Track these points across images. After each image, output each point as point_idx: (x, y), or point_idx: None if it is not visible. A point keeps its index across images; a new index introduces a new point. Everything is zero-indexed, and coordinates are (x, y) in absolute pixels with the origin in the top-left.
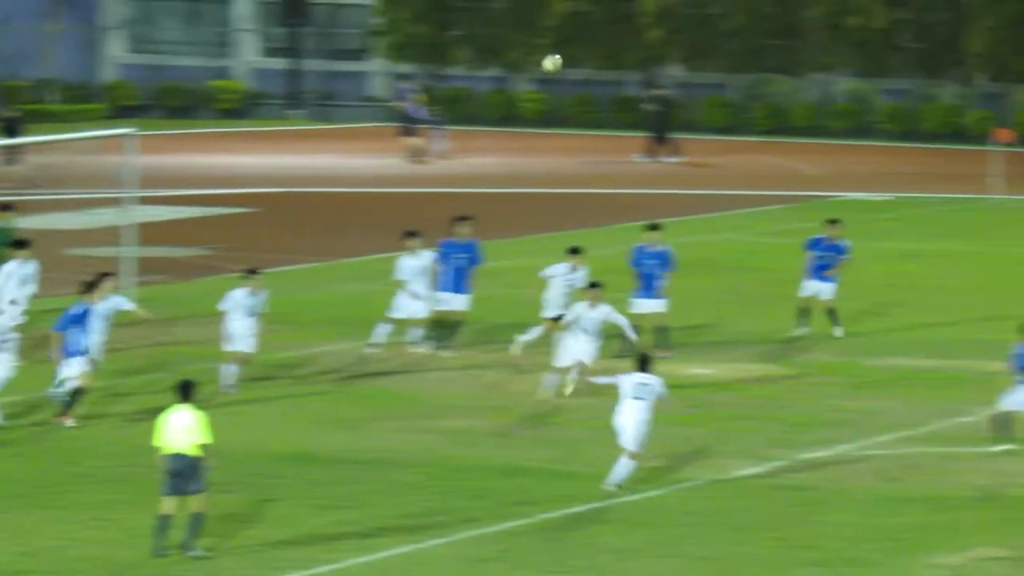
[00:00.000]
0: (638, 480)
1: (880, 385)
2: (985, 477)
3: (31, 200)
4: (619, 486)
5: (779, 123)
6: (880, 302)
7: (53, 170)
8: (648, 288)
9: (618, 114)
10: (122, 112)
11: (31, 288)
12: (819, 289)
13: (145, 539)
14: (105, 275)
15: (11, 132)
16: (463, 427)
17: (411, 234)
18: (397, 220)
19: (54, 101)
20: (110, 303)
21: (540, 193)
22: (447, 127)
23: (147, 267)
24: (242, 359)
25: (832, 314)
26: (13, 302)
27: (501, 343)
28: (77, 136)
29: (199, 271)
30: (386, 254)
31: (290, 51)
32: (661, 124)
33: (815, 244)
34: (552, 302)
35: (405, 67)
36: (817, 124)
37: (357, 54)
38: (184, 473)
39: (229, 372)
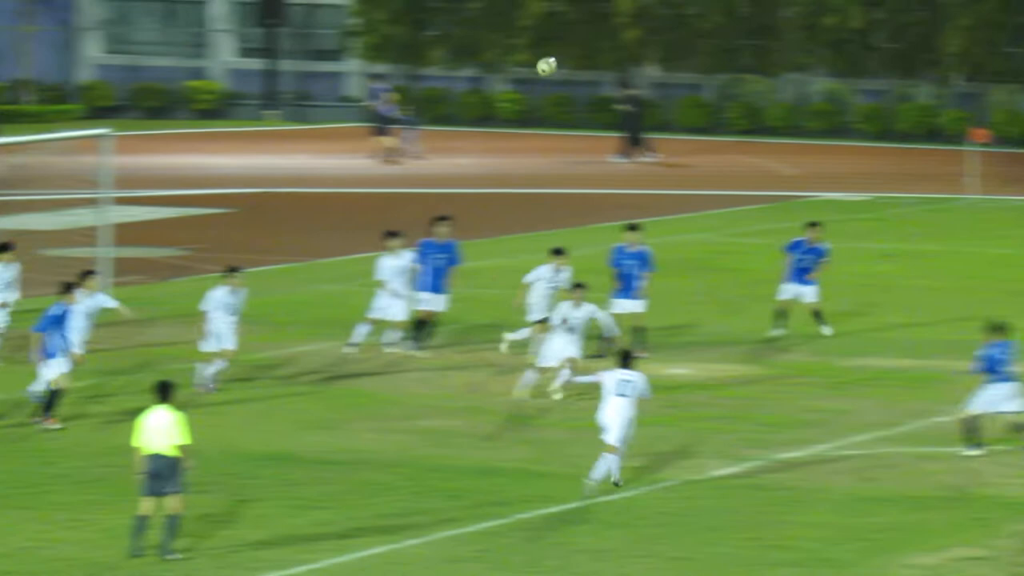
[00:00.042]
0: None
1: (855, 385)
2: (960, 477)
3: (6, 201)
4: (598, 482)
5: (755, 123)
6: (856, 302)
7: (28, 171)
8: (627, 288)
9: (594, 114)
10: (98, 113)
11: (16, 291)
12: (799, 292)
13: (121, 540)
14: (89, 273)
15: None
16: (440, 427)
17: (392, 234)
18: (374, 220)
19: (30, 102)
20: (94, 301)
21: (516, 193)
22: (420, 127)
23: (123, 268)
24: (225, 357)
25: (817, 315)
26: (3, 305)
27: (479, 343)
28: (53, 137)
29: (175, 272)
30: (362, 254)
31: (266, 51)
32: (634, 124)
33: (795, 247)
34: (537, 305)
35: (381, 67)
36: (793, 124)
37: (333, 54)
38: (162, 474)
39: (208, 371)
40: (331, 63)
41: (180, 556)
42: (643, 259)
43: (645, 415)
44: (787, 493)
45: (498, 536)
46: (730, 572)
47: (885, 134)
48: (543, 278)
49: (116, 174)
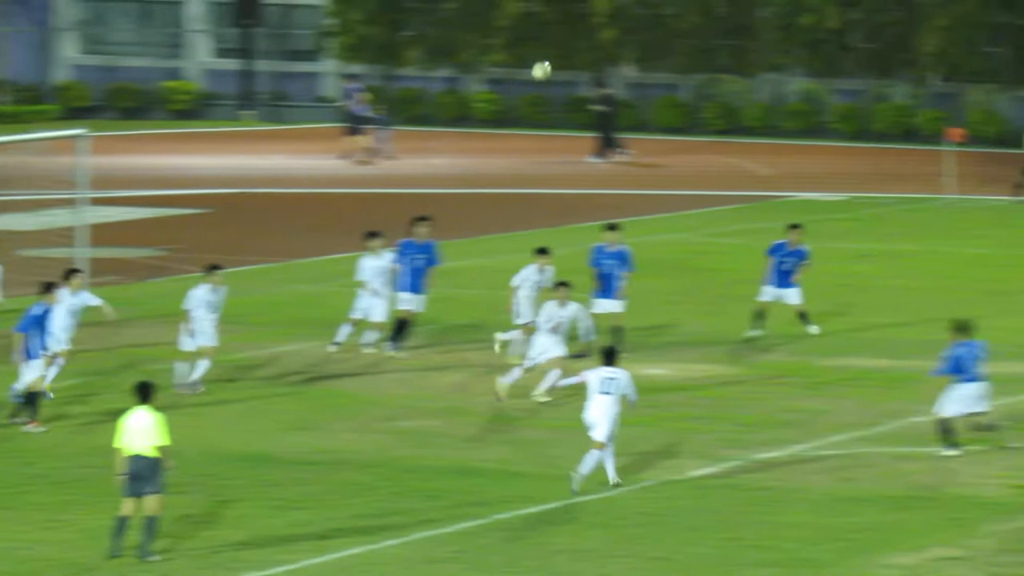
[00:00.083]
0: (595, 481)
1: (833, 385)
2: (937, 477)
3: None
4: (584, 476)
5: (731, 123)
6: (833, 302)
7: (5, 171)
8: (607, 288)
9: (571, 115)
10: (74, 113)
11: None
12: (781, 294)
13: (100, 540)
14: (74, 271)
15: None
16: (419, 428)
17: (372, 234)
18: (351, 221)
19: (6, 102)
20: (79, 299)
21: (493, 194)
22: (392, 127)
23: (100, 268)
24: (207, 355)
25: (803, 316)
26: None
27: (458, 344)
28: (29, 137)
29: (152, 272)
30: (339, 255)
31: (242, 52)
32: (608, 124)
33: (777, 250)
34: (523, 306)
35: (357, 68)
36: (769, 124)
37: (309, 55)
38: (142, 475)
39: (194, 374)
40: (307, 63)
41: (159, 558)
42: (623, 259)
43: (625, 415)
44: (766, 493)
45: (477, 536)
46: (709, 572)
47: (861, 134)
48: (530, 279)
49: (92, 174)
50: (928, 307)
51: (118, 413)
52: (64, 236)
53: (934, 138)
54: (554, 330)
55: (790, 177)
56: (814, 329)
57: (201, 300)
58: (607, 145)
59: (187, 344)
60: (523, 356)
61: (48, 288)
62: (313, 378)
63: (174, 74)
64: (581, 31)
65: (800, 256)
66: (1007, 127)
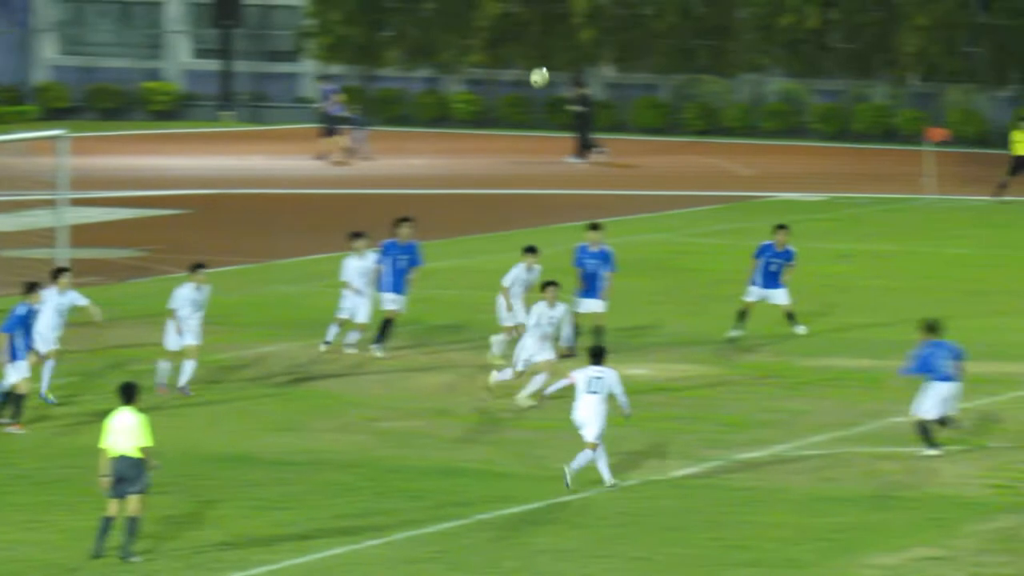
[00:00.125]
0: (576, 481)
1: (814, 386)
2: (918, 477)
3: None
4: (575, 471)
5: (711, 123)
6: (813, 303)
7: None
8: (591, 288)
9: (550, 115)
10: (54, 114)
11: None
12: (767, 295)
13: (81, 541)
14: (62, 270)
15: None
16: (401, 428)
17: (357, 235)
18: (330, 221)
19: None
20: (67, 298)
21: (473, 194)
22: (368, 127)
23: (81, 269)
24: (191, 356)
25: (791, 317)
26: None
27: (439, 344)
28: (8, 138)
29: (133, 272)
30: (319, 255)
31: (222, 53)
32: (584, 124)
33: (764, 251)
34: (515, 308)
35: (337, 68)
36: (749, 124)
37: (289, 56)
38: (126, 475)
39: (170, 368)
40: (287, 64)
41: (140, 558)
42: (606, 258)
43: (611, 416)
44: (747, 493)
45: (459, 537)
46: (691, 572)
47: (841, 134)
48: (520, 278)
49: (72, 175)
50: (908, 307)
51: (101, 414)
52: (45, 237)
53: (914, 138)
54: (544, 331)
55: (770, 177)
56: (801, 330)
57: (186, 299)
58: (584, 145)
59: (172, 343)
60: (504, 356)
61: (32, 288)
62: (296, 379)
63: (154, 75)
64: (560, 31)
65: (787, 257)
66: (987, 127)
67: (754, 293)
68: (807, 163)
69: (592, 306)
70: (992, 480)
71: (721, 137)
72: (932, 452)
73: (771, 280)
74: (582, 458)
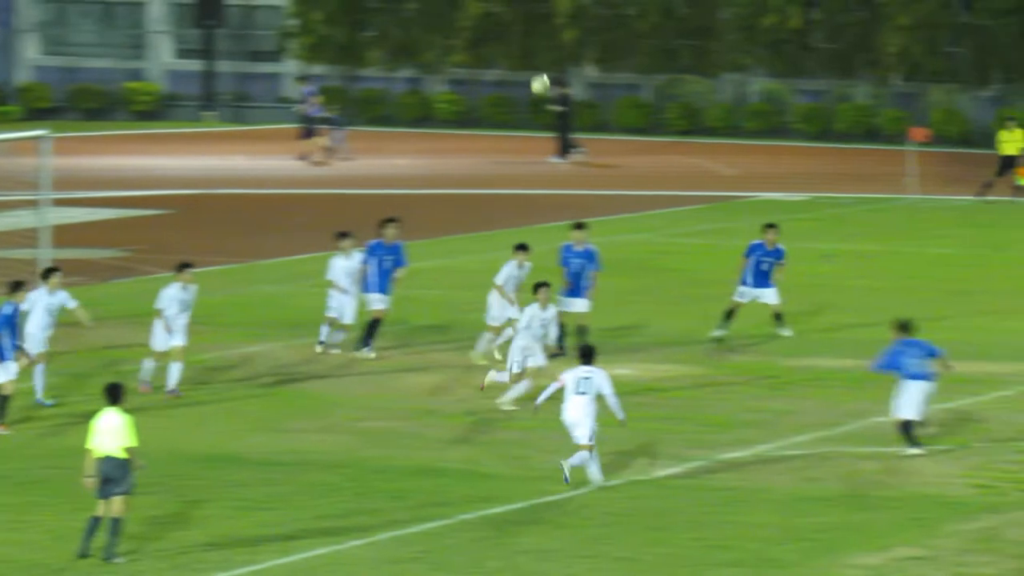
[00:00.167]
0: (559, 481)
1: (798, 386)
2: (901, 477)
3: None
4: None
5: (693, 124)
6: (796, 303)
7: None
8: (576, 287)
9: (533, 115)
10: (36, 114)
11: None
12: (758, 294)
13: (65, 541)
14: (52, 270)
15: None
16: (386, 428)
17: (343, 234)
18: (313, 221)
19: None
20: (57, 298)
21: (456, 194)
22: (348, 127)
23: (63, 269)
24: (177, 358)
25: (779, 317)
26: None
27: (424, 345)
28: None
29: (116, 273)
30: (303, 255)
31: (204, 53)
32: (564, 123)
33: (754, 250)
34: (501, 304)
35: (319, 68)
36: (731, 124)
37: (271, 56)
38: (111, 476)
39: (154, 368)
40: (269, 64)
41: (123, 559)
42: (591, 258)
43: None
44: (730, 493)
45: (442, 537)
46: (675, 572)
47: (824, 134)
48: (512, 276)
49: (55, 176)
50: (891, 307)
51: (86, 415)
52: (27, 237)
53: (896, 138)
54: (534, 333)
55: (752, 177)
56: (787, 332)
57: (173, 299)
58: (564, 145)
59: (159, 343)
60: (487, 356)
61: (17, 287)
62: (280, 379)
63: (136, 75)
64: (543, 31)
65: (778, 255)
66: (969, 127)
67: (746, 294)
68: (790, 163)
69: (577, 305)
70: (974, 480)
71: (704, 137)
72: (915, 451)
73: (762, 279)
74: (578, 457)
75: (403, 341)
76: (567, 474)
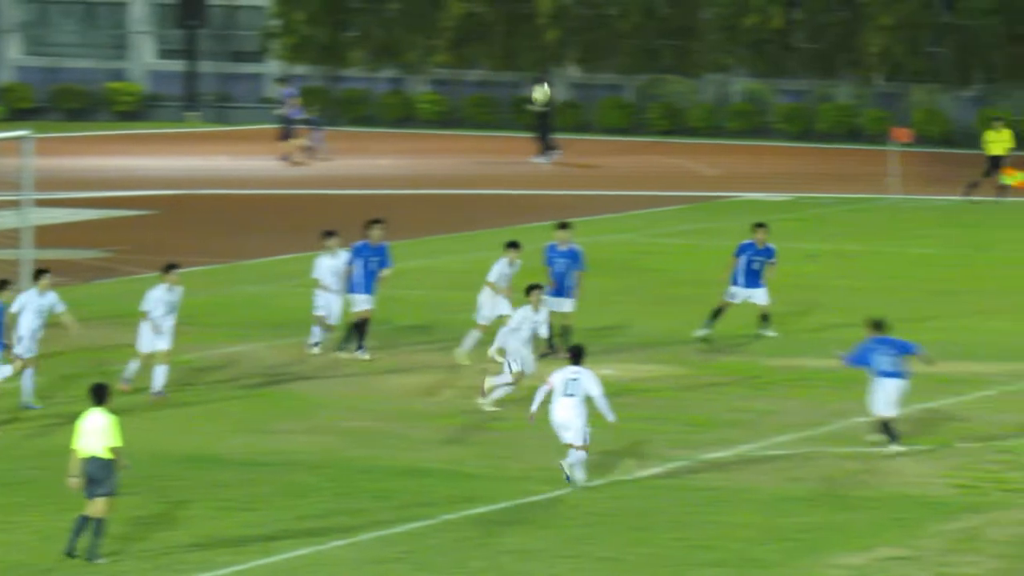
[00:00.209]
0: (542, 481)
1: (780, 386)
2: (883, 477)
3: None
4: (568, 476)
5: (675, 124)
6: (779, 303)
7: None
8: (560, 287)
9: (515, 115)
10: (18, 114)
11: None
12: (750, 295)
13: (52, 542)
14: (42, 271)
15: None
16: (369, 429)
17: (329, 233)
18: (296, 222)
19: None
20: (47, 300)
21: (438, 194)
22: (326, 128)
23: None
24: (164, 360)
25: (765, 318)
26: None
27: (407, 345)
28: None
29: (98, 273)
30: (286, 256)
31: (186, 53)
32: (543, 124)
33: (745, 249)
34: (490, 303)
35: (301, 69)
36: (713, 124)
37: (254, 56)
38: (95, 476)
39: (138, 368)
40: (251, 64)
41: (105, 560)
42: (575, 257)
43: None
44: (713, 493)
45: (425, 537)
46: (657, 572)
47: (805, 134)
48: (504, 274)
49: (37, 176)
50: (874, 307)
51: (70, 416)
52: (9, 238)
53: (878, 138)
54: (526, 335)
55: (734, 177)
56: (770, 332)
57: (159, 300)
58: (547, 144)
59: (145, 345)
60: (469, 356)
61: (1, 286)
62: (264, 380)
63: (118, 75)
64: (525, 32)
65: (768, 254)
66: (951, 127)
67: (738, 295)
68: (771, 163)
69: (561, 305)
70: (956, 480)
71: (685, 137)
72: (897, 448)
73: (753, 279)
74: (574, 457)
75: (386, 342)
76: (568, 475)
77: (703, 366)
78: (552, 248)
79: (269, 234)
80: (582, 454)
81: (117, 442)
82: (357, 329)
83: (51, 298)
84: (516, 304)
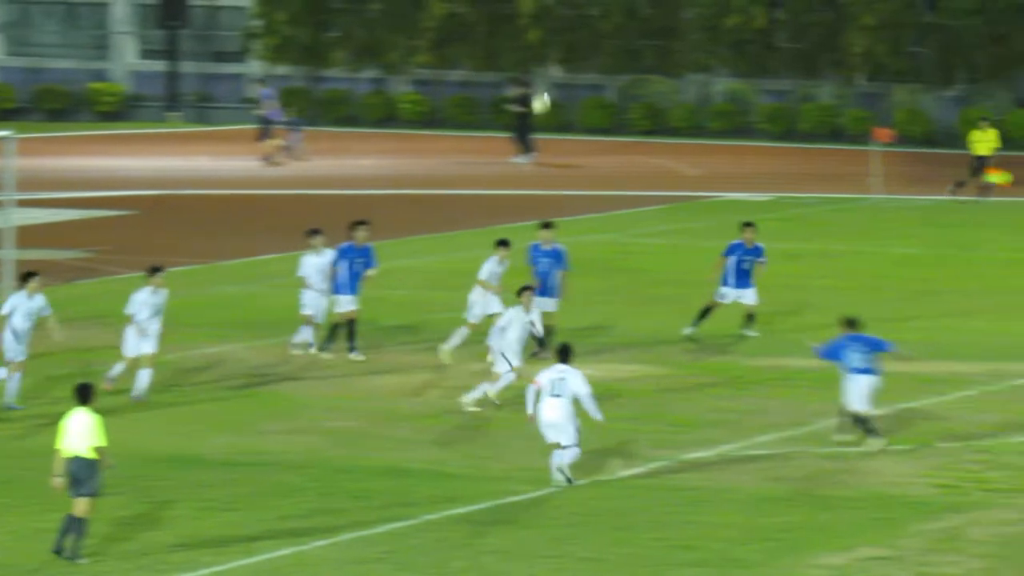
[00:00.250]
0: (524, 481)
1: (762, 385)
2: (864, 477)
3: None
4: (568, 479)
5: (658, 124)
6: (761, 303)
7: None
8: (543, 287)
9: (497, 116)
10: (0, 115)
11: None
12: (740, 295)
13: (33, 543)
14: (30, 274)
15: None
16: (351, 429)
17: (314, 232)
18: (277, 222)
19: None
20: (35, 303)
21: (420, 195)
22: (304, 128)
23: (27, 270)
24: (149, 363)
25: (751, 318)
26: None
27: (391, 346)
28: None
29: (79, 274)
30: (267, 256)
31: (168, 53)
32: (522, 124)
33: (734, 249)
34: (481, 302)
35: (283, 69)
36: (696, 124)
37: (235, 56)
38: (79, 476)
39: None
40: (233, 65)
41: (87, 561)
42: (558, 257)
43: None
44: (694, 493)
45: (406, 537)
46: (639, 572)
47: (788, 134)
48: (495, 272)
49: (18, 176)
50: (856, 307)
51: (54, 416)
52: None
53: (860, 138)
54: (517, 334)
55: (716, 177)
56: (753, 333)
57: (144, 303)
58: (521, 144)
59: (131, 349)
60: (452, 355)
61: None
62: (247, 380)
63: (100, 76)
64: (507, 32)
65: (757, 253)
66: (933, 127)
67: (728, 295)
68: (754, 163)
69: (544, 305)
70: (937, 479)
71: (667, 137)
72: (877, 441)
73: (743, 279)
74: (569, 455)
75: (371, 342)
76: (569, 476)
77: (686, 366)
78: (536, 248)
79: (250, 234)
80: (575, 452)
81: (102, 442)
82: (344, 330)
83: (39, 301)
84: (506, 303)
